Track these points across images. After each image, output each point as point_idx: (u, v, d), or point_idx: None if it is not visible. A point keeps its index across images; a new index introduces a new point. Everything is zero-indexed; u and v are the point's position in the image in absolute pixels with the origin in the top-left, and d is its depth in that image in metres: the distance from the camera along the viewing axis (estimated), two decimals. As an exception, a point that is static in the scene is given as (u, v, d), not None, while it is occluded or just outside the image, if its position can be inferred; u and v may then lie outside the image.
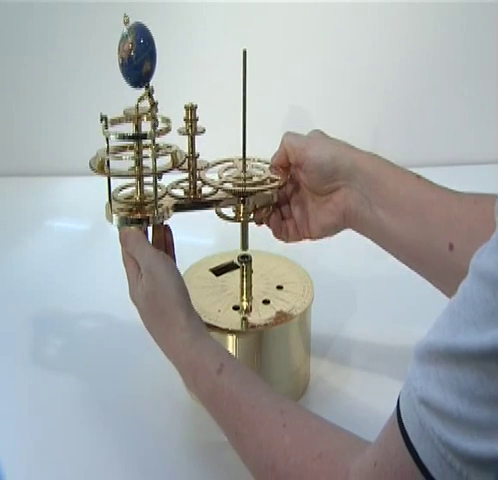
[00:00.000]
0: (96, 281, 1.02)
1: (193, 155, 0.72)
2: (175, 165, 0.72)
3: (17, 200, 1.27)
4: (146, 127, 0.68)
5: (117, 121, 0.70)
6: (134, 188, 0.72)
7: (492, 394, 0.38)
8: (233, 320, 0.74)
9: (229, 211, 0.75)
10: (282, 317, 0.74)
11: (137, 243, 0.69)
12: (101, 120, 0.67)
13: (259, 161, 0.76)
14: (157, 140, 0.68)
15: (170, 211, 0.72)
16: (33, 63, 1.29)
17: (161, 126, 0.69)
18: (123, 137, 0.68)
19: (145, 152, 0.69)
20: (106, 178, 0.70)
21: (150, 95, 0.66)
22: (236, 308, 0.76)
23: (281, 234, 0.76)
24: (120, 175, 0.71)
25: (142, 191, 0.71)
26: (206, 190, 0.74)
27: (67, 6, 1.24)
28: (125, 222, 0.70)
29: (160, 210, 0.70)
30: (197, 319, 0.66)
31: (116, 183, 0.72)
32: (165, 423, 0.76)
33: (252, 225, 0.76)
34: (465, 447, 0.39)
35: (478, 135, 1.37)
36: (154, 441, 0.73)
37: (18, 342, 0.88)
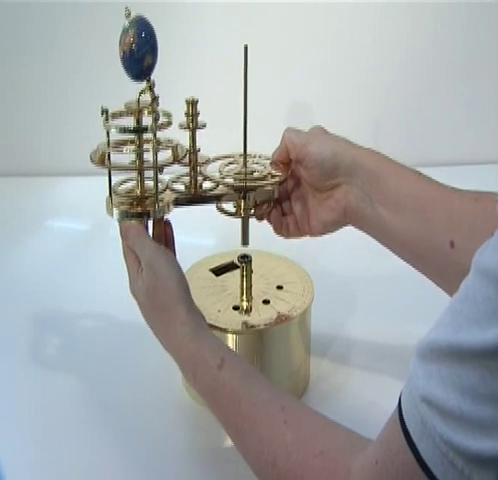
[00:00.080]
0: (96, 281, 1.02)
1: (194, 149, 0.72)
2: (176, 159, 0.71)
3: (17, 200, 1.27)
4: (147, 122, 0.68)
5: (118, 115, 0.70)
6: (135, 182, 0.72)
7: (494, 392, 0.38)
8: (233, 320, 0.74)
9: (230, 207, 0.75)
10: (282, 317, 0.74)
11: (138, 237, 0.68)
12: (102, 113, 0.67)
13: (260, 157, 0.76)
14: (158, 134, 0.68)
15: (171, 205, 0.71)
16: (33, 63, 1.29)
17: (162, 120, 0.69)
18: (124, 130, 0.67)
19: (146, 146, 0.69)
20: (106, 178, 0.70)
21: (151, 89, 0.66)
22: (236, 308, 0.76)
23: (282, 230, 0.75)
24: (120, 168, 0.71)
25: (143, 185, 0.71)
26: (207, 185, 0.74)
27: (67, 6, 1.24)
28: (126, 216, 0.70)
29: (161, 204, 0.70)
30: (198, 314, 0.66)
31: (117, 178, 0.72)
32: (165, 423, 0.76)
33: (253, 223, 0.76)
34: (467, 445, 0.39)
35: (478, 135, 1.37)
36: (154, 441, 0.73)
37: (18, 342, 0.88)
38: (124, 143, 0.71)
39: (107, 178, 0.70)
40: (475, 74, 1.33)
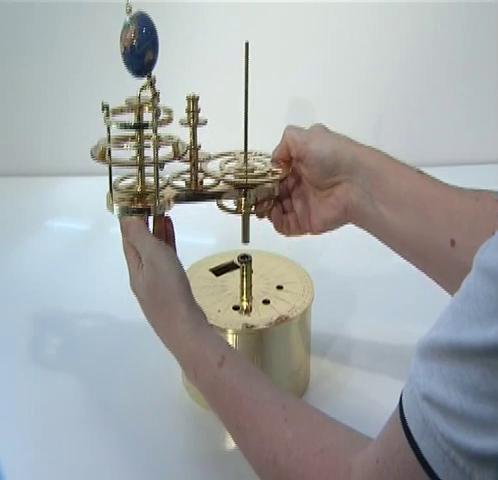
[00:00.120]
0: (96, 281, 1.02)
1: (195, 146, 0.72)
2: (177, 156, 0.71)
3: (17, 200, 1.27)
4: (148, 118, 0.68)
5: (118, 111, 0.69)
6: (135, 178, 0.71)
7: (496, 390, 0.38)
8: (233, 320, 0.73)
9: (231, 204, 0.75)
10: (282, 317, 0.74)
11: (138, 232, 0.68)
12: (102, 109, 0.67)
13: (260, 155, 0.76)
14: (159, 131, 0.68)
15: (171, 202, 0.71)
16: (33, 63, 1.29)
17: (163, 116, 0.69)
18: (125, 126, 0.67)
19: (146, 142, 0.69)
20: (106, 177, 0.70)
21: (152, 85, 0.66)
22: (236, 308, 0.76)
23: (282, 228, 0.75)
24: (121, 164, 0.70)
25: (143, 181, 0.71)
26: (207, 182, 0.74)
27: (67, 6, 1.24)
28: (126, 212, 0.69)
29: (161, 201, 0.70)
30: (198, 311, 0.66)
31: (117, 174, 0.72)
32: (165, 423, 0.76)
33: (253, 222, 0.76)
34: (468, 444, 0.39)
35: (478, 135, 1.37)
36: (154, 441, 0.73)
37: (18, 342, 0.88)
38: (125, 139, 0.71)
39: (108, 174, 0.70)
40: (475, 74, 1.33)
